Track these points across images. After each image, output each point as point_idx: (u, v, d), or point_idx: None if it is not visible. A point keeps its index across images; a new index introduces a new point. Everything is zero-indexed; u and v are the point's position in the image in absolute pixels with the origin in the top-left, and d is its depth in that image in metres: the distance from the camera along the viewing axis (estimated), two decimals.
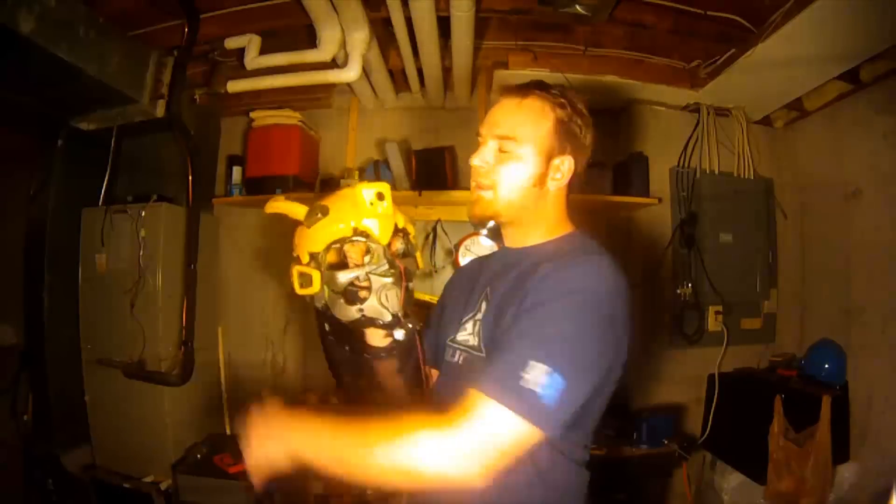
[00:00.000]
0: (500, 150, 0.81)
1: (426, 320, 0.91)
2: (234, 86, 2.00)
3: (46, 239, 2.04)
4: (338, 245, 0.76)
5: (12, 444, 2.13)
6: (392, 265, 0.76)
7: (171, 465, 1.97)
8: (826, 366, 1.86)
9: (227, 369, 2.33)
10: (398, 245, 0.81)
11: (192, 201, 2.01)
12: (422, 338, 0.85)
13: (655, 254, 2.10)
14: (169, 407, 2.00)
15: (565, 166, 0.82)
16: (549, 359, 0.63)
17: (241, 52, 1.86)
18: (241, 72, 1.94)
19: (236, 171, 2.28)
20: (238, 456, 1.93)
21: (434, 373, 0.97)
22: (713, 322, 2.09)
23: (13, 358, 2.15)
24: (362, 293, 0.77)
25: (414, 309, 0.82)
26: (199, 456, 2.01)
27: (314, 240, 0.75)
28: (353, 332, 0.83)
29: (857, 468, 1.75)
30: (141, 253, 1.99)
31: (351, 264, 0.79)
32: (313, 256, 0.75)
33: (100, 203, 2.14)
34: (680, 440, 1.94)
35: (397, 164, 2.10)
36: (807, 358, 1.94)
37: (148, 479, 1.95)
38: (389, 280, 0.76)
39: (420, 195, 2.01)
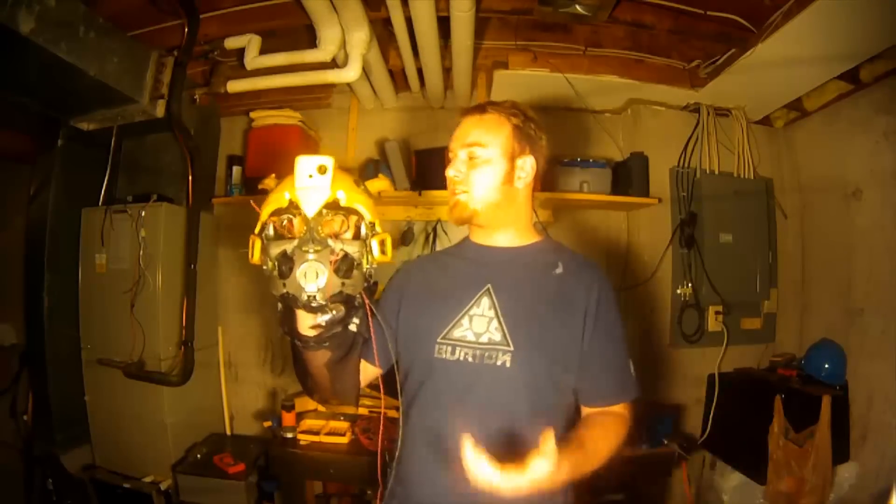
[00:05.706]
0: (470, 158, 0.93)
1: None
2: (234, 86, 2.00)
3: (46, 239, 2.04)
4: (284, 217, 0.77)
5: (12, 444, 2.13)
6: (320, 243, 0.73)
7: (171, 465, 1.97)
8: (826, 366, 1.86)
9: (227, 369, 2.33)
10: (339, 227, 0.78)
11: (192, 201, 2.02)
12: (372, 332, 0.85)
13: (655, 254, 2.10)
14: (169, 407, 2.00)
15: (528, 165, 0.96)
16: (628, 352, 0.94)
17: (241, 52, 1.86)
18: (241, 72, 1.94)
19: (236, 171, 2.28)
20: (237, 457, 1.96)
21: (371, 371, 0.97)
22: (713, 322, 2.09)
23: (13, 358, 2.16)
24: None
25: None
26: (199, 456, 2.01)
27: (264, 210, 0.77)
28: (291, 316, 0.82)
29: (857, 468, 1.75)
30: (141, 253, 1.99)
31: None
32: (263, 226, 0.77)
33: (100, 203, 2.14)
34: (680, 440, 1.94)
35: (397, 164, 2.10)
36: (807, 358, 1.94)
37: (148, 479, 1.95)
38: (312, 257, 0.72)
39: (420, 195, 2.01)
